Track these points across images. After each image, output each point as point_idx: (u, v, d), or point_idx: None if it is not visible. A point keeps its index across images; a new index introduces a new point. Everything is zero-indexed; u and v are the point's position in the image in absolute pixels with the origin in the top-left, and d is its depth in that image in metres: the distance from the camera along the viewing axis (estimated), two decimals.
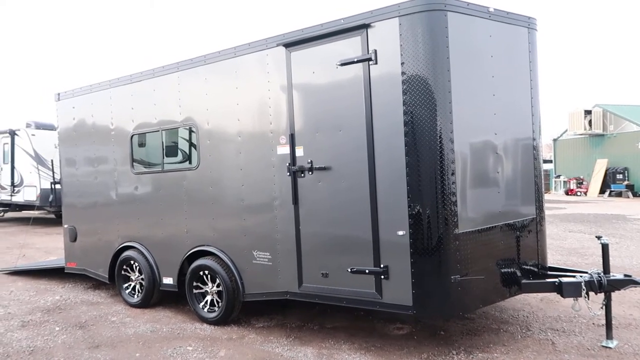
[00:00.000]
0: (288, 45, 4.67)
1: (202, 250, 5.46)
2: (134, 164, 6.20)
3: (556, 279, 4.43)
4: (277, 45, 4.74)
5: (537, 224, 4.76)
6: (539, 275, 4.73)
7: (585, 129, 27.32)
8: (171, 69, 5.70)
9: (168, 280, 5.85)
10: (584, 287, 4.27)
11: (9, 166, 15.70)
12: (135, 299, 6.17)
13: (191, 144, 5.64)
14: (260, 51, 4.90)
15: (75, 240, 6.99)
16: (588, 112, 27.40)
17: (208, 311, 5.42)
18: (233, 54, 5.12)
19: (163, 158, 5.91)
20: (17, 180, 15.60)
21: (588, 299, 4.34)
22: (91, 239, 6.80)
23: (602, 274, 4.35)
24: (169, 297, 6.13)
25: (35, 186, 14.90)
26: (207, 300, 5.46)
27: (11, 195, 15.74)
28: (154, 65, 5.82)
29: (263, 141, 4.91)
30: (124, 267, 6.32)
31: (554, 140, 31.13)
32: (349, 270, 4.33)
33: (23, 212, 17.10)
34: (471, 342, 4.59)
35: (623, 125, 26.46)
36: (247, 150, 5.07)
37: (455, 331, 4.89)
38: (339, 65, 4.34)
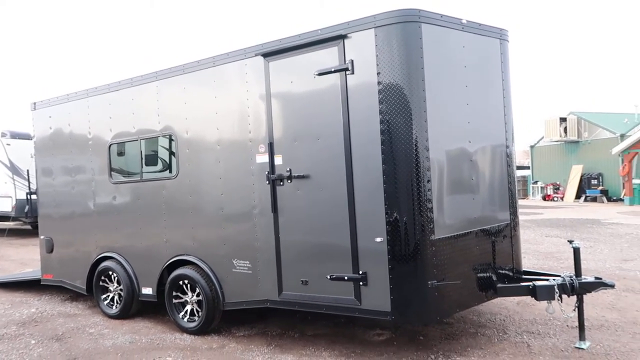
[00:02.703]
0: (266, 55, 4.72)
1: (182, 259, 5.44)
2: (112, 173, 6.15)
3: (530, 283, 4.54)
4: (256, 55, 4.78)
5: (511, 229, 4.88)
6: (514, 279, 4.83)
7: (560, 136, 27.95)
8: (150, 78, 5.70)
9: (147, 291, 5.81)
10: (556, 290, 4.39)
11: None
12: (114, 310, 6.10)
13: (170, 153, 5.64)
14: (239, 61, 4.94)
15: (51, 251, 6.89)
16: (563, 120, 28.05)
17: (188, 321, 5.39)
18: (212, 63, 5.15)
19: (142, 167, 5.88)
20: None
21: (561, 302, 4.46)
22: (68, 250, 6.71)
23: (574, 277, 4.47)
24: (148, 308, 6.08)
25: (11, 197, 14.61)
26: (187, 310, 5.43)
27: None
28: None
29: (242, 150, 4.94)
30: (102, 278, 6.25)
31: (531, 146, 31.75)
32: (329, 277, 4.37)
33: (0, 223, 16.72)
34: (449, 347, 4.67)
35: (597, 132, 27.16)
36: (226, 158, 5.09)
37: (434, 336, 4.96)
38: (316, 75, 4.40)
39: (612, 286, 4.49)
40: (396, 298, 4.09)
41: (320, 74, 4.39)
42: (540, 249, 10.15)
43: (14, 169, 14.70)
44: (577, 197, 26.18)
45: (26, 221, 15.13)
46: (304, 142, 4.53)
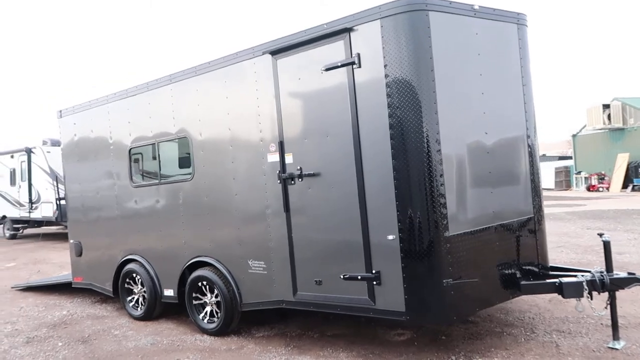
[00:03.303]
0: (274, 52, 4.65)
1: (200, 261, 5.46)
2: (133, 177, 6.25)
3: (557, 280, 4.29)
4: (264, 53, 4.72)
5: (535, 223, 4.62)
6: (539, 276, 4.58)
7: (604, 124, 26.72)
8: (164, 81, 5.74)
9: (169, 292, 5.86)
10: (585, 286, 4.12)
11: (26, 183, 16.08)
12: (139, 311, 6.20)
13: (186, 156, 5.66)
14: (248, 60, 4.89)
15: (80, 255, 7.07)
16: (606, 106, 26.80)
17: (208, 322, 5.41)
18: (222, 64, 5.13)
19: (160, 170, 5.94)
20: (34, 197, 15.95)
21: (591, 299, 4.18)
22: (95, 253, 6.87)
23: (604, 272, 4.19)
24: (172, 309, 6.14)
25: (52, 202, 15.20)
26: (206, 311, 5.44)
27: (29, 212, 16.10)
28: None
29: (254, 149, 4.90)
30: (127, 280, 6.36)
31: (573, 136, 30.51)
32: (342, 277, 4.27)
33: (42, 228, 17.45)
34: (472, 347, 4.47)
35: None
36: (238, 159, 5.06)
37: (457, 335, 4.77)
38: (323, 70, 4.30)
39: None
40: (410, 297, 3.94)
41: (327, 69, 4.28)
42: (579, 242, 9.67)
43: (54, 176, 15.28)
44: (624, 186, 24.94)
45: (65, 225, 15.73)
46: (314, 140, 4.44)
